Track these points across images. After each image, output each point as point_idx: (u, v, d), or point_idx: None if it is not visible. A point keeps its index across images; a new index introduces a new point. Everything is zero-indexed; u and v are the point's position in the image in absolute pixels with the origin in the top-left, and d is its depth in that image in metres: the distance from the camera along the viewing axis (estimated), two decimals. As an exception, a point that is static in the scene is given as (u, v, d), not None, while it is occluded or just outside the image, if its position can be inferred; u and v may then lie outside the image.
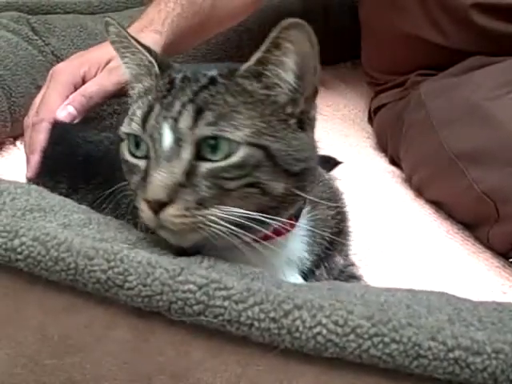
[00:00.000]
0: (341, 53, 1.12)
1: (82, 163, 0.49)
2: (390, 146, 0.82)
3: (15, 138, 0.82)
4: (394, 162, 0.81)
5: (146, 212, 0.34)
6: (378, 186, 0.75)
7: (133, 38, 0.39)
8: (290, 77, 0.36)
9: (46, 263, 0.31)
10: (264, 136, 0.35)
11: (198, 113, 0.34)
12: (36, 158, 0.58)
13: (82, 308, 0.32)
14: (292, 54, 0.36)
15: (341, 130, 0.92)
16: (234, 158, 0.34)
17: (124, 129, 0.37)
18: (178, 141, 0.34)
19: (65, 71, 0.62)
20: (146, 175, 0.35)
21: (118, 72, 0.54)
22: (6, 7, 0.86)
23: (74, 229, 0.35)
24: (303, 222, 0.39)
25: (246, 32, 0.97)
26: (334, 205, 0.41)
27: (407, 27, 0.77)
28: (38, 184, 0.45)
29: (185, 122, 0.34)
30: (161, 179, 0.33)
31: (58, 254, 0.30)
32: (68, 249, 0.31)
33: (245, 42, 0.97)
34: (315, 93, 0.37)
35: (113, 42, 0.40)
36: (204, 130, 0.34)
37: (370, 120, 0.92)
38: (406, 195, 0.72)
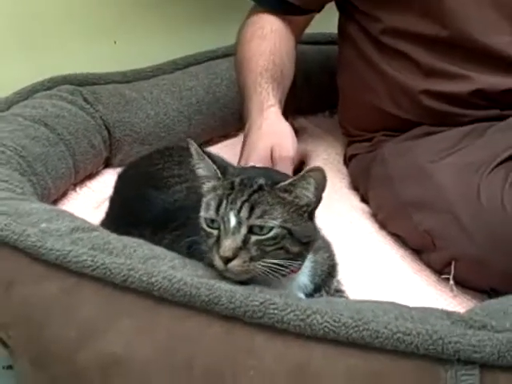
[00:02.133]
0: (320, 104, 1.32)
1: (161, 214, 0.73)
2: (360, 187, 1.04)
3: (75, 185, 1.07)
4: (364, 200, 1.03)
5: (218, 262, 0.58)
6: (350, 219, 0.98)
7: (204, 152, 0.64)
8: (309, 194, 0.60)
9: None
10: (288, 223, 0.59)
11: (251, 209, 0.58)
12: None
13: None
14: (313, 184, 0.59)
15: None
16: (271, 234, 0.58)
17: (204, 214, 0.60)
18: (238, 224, 0.58)
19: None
20: (218, 240, 0.58)
21: None
22: (62, 81, 1.05)
23: (180, 270, 0.59)
24: (307, 264, 0.64)
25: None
26: (327, 253, 0.68)
27: (374, 101, 1.00)
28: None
29: (243, 214, 0.58)
30: (228, 245, 0.57)
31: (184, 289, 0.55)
32: (185, 284, 0.56)
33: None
34: (320, 200, 0.62)
35: (194, 155, 0.64)
36: (255, 221, 0.58)
37: (346, 163, 1.13)
38: (372, 228, 0.96)
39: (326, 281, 0.68)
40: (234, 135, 1.20)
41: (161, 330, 0.57)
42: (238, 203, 0.58)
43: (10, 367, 0.77)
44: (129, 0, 1.20)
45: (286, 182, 0.60)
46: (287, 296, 0.58)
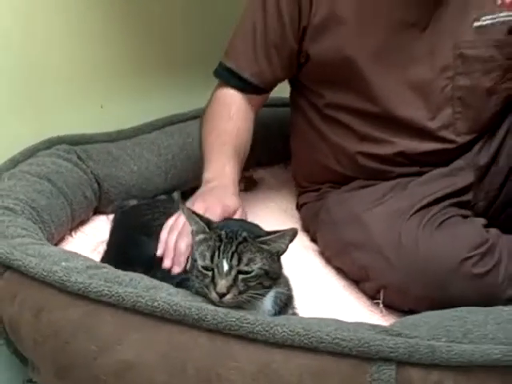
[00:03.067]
0: (276, 158, 1.52)
1: (152, 256, 0.92)
2: (310, 230, 1.23)
3: (71, 230, 1.24)
4: (313, 240, 1.22)
5: (214, 296, 0.76)
6: (301, 256, 1.16)
7: (191, 211, 0.84)
8: (283, 246, 0.79)
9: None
10: (265, 265, 0.78)
11: (239, 258, 0.76)
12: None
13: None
14: (287, 239, 0.79)
15: (276, 217, 1.30)
16: (253, 274, 0.77)
17: (201, 262, 0.78)
18: (230, 269, 0.76)
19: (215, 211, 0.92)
20: (213, 280, 0.76)
21: None
22: (58, 141, 1.22)
23: (175, 296, 0.79)
24: (271, 294, 0.83)
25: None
26: (286, 286, 0.87)
27: (320, 159, 1.20)
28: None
29: (234, 262, 0.76)
30: (223, 284, 0.76)
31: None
32: (180, 306, 0.75)
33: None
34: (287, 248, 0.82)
35: (184, 214, 0.84)
36: (243, 267, 0.76)
37: (298, 209, 1.32)
38: (320, 263, 1.15)
39: (284, 308, 0.87)
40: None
41: (162, 341, 0.75)
42: (229, 253, 0.77)
43: (30, 381, 0.95)
44: (114, 71, 1.38)
45: (267, 238, 0.79)
46: (256, 314, 0.78)
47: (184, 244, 0.90)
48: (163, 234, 0.94)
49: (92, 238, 1.18)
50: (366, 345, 0.75)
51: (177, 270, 0.89)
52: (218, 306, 0.77)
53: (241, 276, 0.78)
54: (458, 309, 0.90)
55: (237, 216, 0.95)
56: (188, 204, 0.95)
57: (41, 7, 1.26)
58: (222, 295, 0.77)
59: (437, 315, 0.88)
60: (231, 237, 0.79)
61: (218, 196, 0.98)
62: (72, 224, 1.18)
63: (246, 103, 1.18)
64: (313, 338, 0.74)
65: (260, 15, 1.14)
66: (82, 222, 1.23)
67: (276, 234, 0.80)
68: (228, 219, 0.90)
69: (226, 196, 0.99)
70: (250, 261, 0.78)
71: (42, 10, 1.26)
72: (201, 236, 0.82)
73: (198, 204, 0.94)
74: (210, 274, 0.78)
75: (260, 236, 0.80)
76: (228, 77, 1.18)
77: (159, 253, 0.92)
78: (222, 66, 1.19)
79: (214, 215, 0.90)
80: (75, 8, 1.29)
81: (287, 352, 0.74)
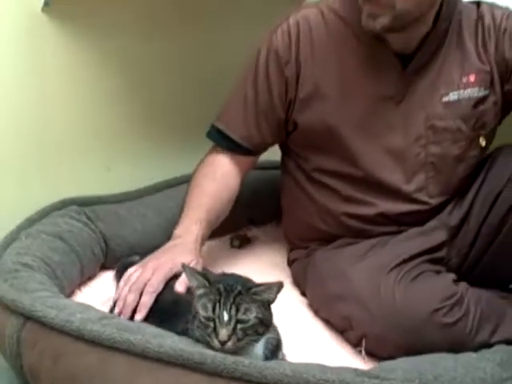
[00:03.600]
0: (269, 217, 1.60)
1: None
2: (300, 284, 1.32)
3: (79, 285, 1.34)
4: (303, 294, 1.30)
5: (216, 344, 0.86)
6: (292, 308, 1.25)
7: (192, 269, 0.95)
8: (272, 296, 0.90)
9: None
10: (259, 314, 0.88)
11: (237, 309, 0.87)
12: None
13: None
14: (275, 290, 0.91)
15: (269, 271, 1.37)
16: (250, 323, 0.88)
17: (203, 313, 0.88)
18: (229, 319, 0.87)
19: (164, 268, 1.07)
20: (215, 329, 0.87)
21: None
22: (70, 203, 1.33)
23: (179, 343, 0.89)
24: (262, 339, 0.93)
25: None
26: (276, 333, 0.97)
27: (308, 219, 1.30)
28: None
29: (233, 312, 0.87)
30: (225, 333, 0.86)
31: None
32: (184, 351, 0.86)
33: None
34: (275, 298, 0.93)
35: (186, 272, 0.96)
36: (241, 316, 0.87)
37: (289, 265, 1.40)
38: (309, 314, 1.23)
39: (274, 353, 0.97)
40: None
41: (169, 382, 0.86)
42: (228, 305, 0.88)
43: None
44: (120, 137, 1.51)
45: (257, 289, 0.91)
46: (250, 359, 0.89)
47: (132, 297, 1.04)
48: (120, 283, 1.09)
49: (99, 293, 1.27)
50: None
51: (124, 318, 1.02)
52: (219, 352, 0.87)
53: (239, 325, 0.89)
54: (431, 355, 1.01)
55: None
56: (148, 258, 1.12)
57: (51, 80, 1.40)
58: (223, 343, 0.88)
59: (411, 360, 0.99)
60: (228, 290, 0.90)
61: (172, 254, 1.12)
62: (81, 279, 1.28)
63: (234, 166, 1.30)
64: (300, 379, 0.84)
65: (251, 87, 1.27)
66: (90, 278, 1.32)
67: (265, 286, 0.92)
68: (224, 274, 1.01)
69: (181, 254, 1.12)
70: (247, 310, 0.89)
71: (53, 82, 1.40)
72: (201, 290, 0.93)
73: (152, 261, 1.09)
74: (211, 324, 0.89)
75: (251, 288, 0.91)
76: (219, 138, 1.30)
77: (114, 298, 1.07)
78: (214, 128, 1.31)
79: (163, 271, 1.06)
80: (86, 82, 1.44)
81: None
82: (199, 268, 1.10)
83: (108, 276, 1.34)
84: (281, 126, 1.29)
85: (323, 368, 0.90)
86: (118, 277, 1.26)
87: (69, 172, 1.45)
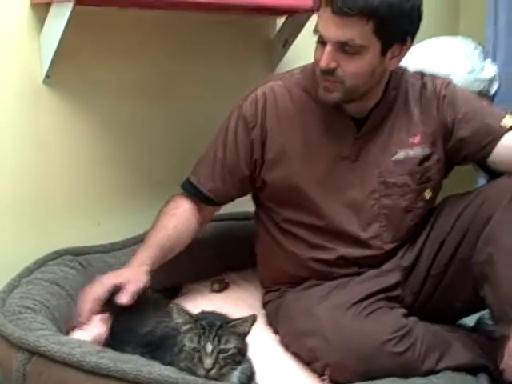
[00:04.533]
0: (244, 262, 1.70)
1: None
2: (273, 323, 1.45)
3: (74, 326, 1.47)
4: (276, 331, 1.41)
5: (202, 372, 1.00)
6: (266, 344, 1.36)
7: (180, 308, 1.10)
8: (247, 328, 1.05)
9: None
10: (239, 345, 1.03)
11: (219, 340, 1.01)
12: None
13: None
14: (249, 323, 1.05)
15: (245, 312, 1.37)
16: (230, 352, 1.02)
17: (190, 345, 1.03)
18: (213, 349, 1.01)
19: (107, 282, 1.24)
20: (200, 359, 1.01)
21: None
22: (64, 253, 1.44)
23: (165, 370, 1.04)
24: (238, 368, 1.08)
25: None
26: (249, 363, 1.12)
27: (279, 264, 1.45)
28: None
29: (215, 343, 1.01)
30: (209, 362, 1.00)
31: None
32: (170, 377, 1.01)
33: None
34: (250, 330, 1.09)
35: (174, 309, 1.10)
36: (222, 346, 1.01)
37: (264, 306, 1.52)
38: (280, 349, 1.37)
39: (248, 382, 1.10)
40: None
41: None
42: (211, 337, 1.03)
43: None
44: (109, 196, 1.67)
45: (234, 323, 1.06)
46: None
47: (86, 307, 1.23)
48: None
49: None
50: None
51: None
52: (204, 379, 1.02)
53: (221, 355, 1.03)
54: (383, 380, 1.17)
55: (131, 285, 1.25)
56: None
57: (47, 144, 1.56)
58: (208, 370, 1.02)
59: (366, 384, 1.15)
60: (210, 325, 1.06)
61: (117, 272, 1.29)
62: (75, 321, 1.42)
63: (197, 210, 1.45)
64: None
65: (221, 146, 1.45)
66: (83, 319, 1.47)
67: (241, 320, 1.07)
68: (204, 312, 1.16)
69: (122, 271, 1.29)
70: (227, 341, 1.04)
71: (49, 147, 1.57)
72: (187, 326, 1.08)
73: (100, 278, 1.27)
74: (197, 354, 1.04)
75: (229, 322, 1.07)
76: (190, 188, 1.46)
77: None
78: (187, 180, 1.48)
79: (100, 286, 1.25)
80: (80, 147, 1.62)
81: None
82: (141, 286, 1.26)
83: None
84: (245, 182, 1.46)
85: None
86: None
87: (63, 226, 1.58)
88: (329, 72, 1.30)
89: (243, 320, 1.08)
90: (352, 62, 1.28)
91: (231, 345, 1.05)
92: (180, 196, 1.47)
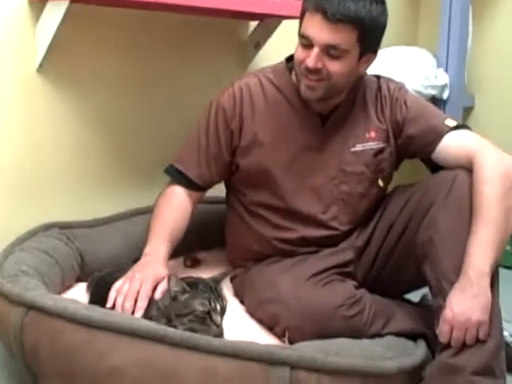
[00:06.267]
0: (215, 242, 1.84)
1: None
2: (239, 295, 1.57)
3: (59, 293, 1.60)
4: (242, 302, 1.53)
5: (214, 329, 1.23)
6: (234, 313, 1.43)
7: (178, 278, 1.27)
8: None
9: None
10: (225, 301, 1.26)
11: (222, 299, 1.27)
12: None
13: None
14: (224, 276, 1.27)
15: None
16: (226, 306, 1.26)
17: (203, 308, 1.22)
18: (221, 307, 1.24)
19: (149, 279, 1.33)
20: (211, 318, 1.23)
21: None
22: (52, 226, 1.60)
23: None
24: None
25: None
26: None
27: (246, 242, 1.59)
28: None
29: (220, 302, 1.24)
30: (219, 318, 1.23)
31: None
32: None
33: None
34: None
35: (172, 280, 1.27)
36: (224, 303, 1.26)
37: (231, 281, 1.63)
38: (246, 317, 1.50)
39: None
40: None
41: (142, 351, 1.17)
42: (216, 298, 1.24)
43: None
44: (94, 176, 1.82)
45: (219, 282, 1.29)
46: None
47: (129, 304, 1.30)
48: (111, 294, 1.33)
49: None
50: (270, 352, 1.17)
51: None
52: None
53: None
54: (335, 339, 1.35)
55: (164, 281, 1.34)
56: (131, 272, 1.37)
57: (42, 129, 1.72)
58: (218, 325, 1.22)
59: (321, 342, 1.32)
60: (210, 288, 1.27)
61: (151, 268, 1.38)
62: (62, 287, 1.56)
63: (187, 197, 1.58)
64: (238, 348, 1.16)
65: (204, 136, 1.60)
66: (68, 287, 1.60)
67: (220, 276, 1.29)
68: (196, 278, 1.33)
69: (158, 267, 1.39)
70: (223, 298, 1.26)
71: (42, 130, 1.72)
72: (186, 294, 1.26)
73: (137, 274, 1.35)
74: (208, 316, 1.23)
75: (216, 280, 1.29)
76: (176, 175, 1.59)
77: (108, 305, 1.32)
78: (172, 167, 1.60)
79: (148, 283, 1.33)
80: (69, 131, 1.77)
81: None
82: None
83: (82, 287, 1.62)
84: (226, 168, 1.62)
85: (255, 343, 1.22)
86: (90, 288, 1.55)
87: (51, 203, 1.73)
88: (315, 71, 1.46)
89: (220, 276, 1.31)
90: (335, 63, 1.45)
91: (226, 301, 1.25)
92: (173, 187, 1.59)
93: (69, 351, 1.19)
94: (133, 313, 1.29)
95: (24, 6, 1.62)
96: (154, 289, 1.35)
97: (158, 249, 1.46)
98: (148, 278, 1.35)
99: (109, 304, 1.33)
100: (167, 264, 1.45)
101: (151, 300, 1.33)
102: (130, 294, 1.32)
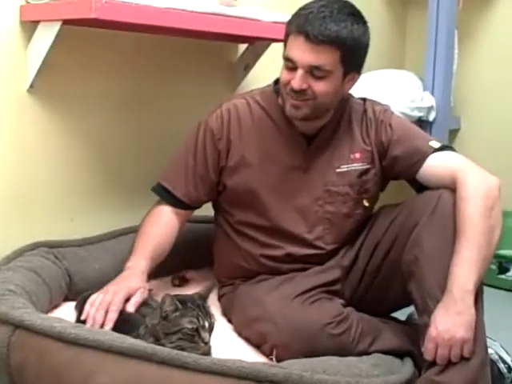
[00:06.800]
0: (203, 261, 1.84)
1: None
2: (227, 313, 1.60)
3: (47, 312, 1.62)
4: (230, 321, 1.54)
5: (202, 346, 1.23)
6: (221, 332, 1.45)
7: (171, 296, 1.27)
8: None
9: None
10: (213, 319, 1.27)
11: (210, 316, 1.26)
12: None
13: None
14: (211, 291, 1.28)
15: None
16: (214, 325, 1.27)
17: (192, 326, 1.22)
18: (209, 324, 1.23)
19: (122, 291, 1.37)
20: (199, 336, 1.23)
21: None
22: (40, 245, 1.60)
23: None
24: None
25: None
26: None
27: (233, 260, 1.61)
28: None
29: (208, 319, 1.23)
30: (207, 335, 1.24)
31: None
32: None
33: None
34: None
35: (166, 298, 1.27)
36: (212, 320, 1.27)
37: (219, 300, 1.65)
38: (234, 334, 1.52)
39: None
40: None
41: (130, 372, 1.17)
42: (204, 315, 1.25)
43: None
44: (82, 194, 1.84)
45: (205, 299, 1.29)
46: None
47: (100, 315, 1.33)
48: (86, 306, 1.37)
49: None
50: (257, 370, 1.18)
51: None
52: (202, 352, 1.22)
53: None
54: (322, 357, 1.36)
55: (138, 294, 1.39)
56: (107, 286, 1.42)
57: (30, 147, 1.73)
58: (206, 343, 1.23)
59: (307, 360, 1.33)
60: (197, 306, 1.27)
61: (127, 281, 1.42)
62: (49, 307, 1.55)
63: (174, 216, 1.61)
64: (224, 367, 1.16)
65: (192, 157, 1.63)
66: (56, 306, 1.59)
67: (205, 291, 1.30)
68: (184, 296, 1.34)
69: (133, 281, 1.42)
70: (211, 316, 1.27)
71: (31, 148, 1.74)
72: (178, 312, 1.26)
73: (111, 287, 1.40)
74: (195, 333, 1.24)
75: (203, 297, 1.29)
76: (163, 194, 1.62)
77: (83, 317, 1.35)
78: (159, 186, 1.64)
79: (120, 295, 1.36)
80: (58, 149, 1.79)
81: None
82: (146, 293, 1.44)
83: (70, 306, 1.61)
84: (213, 187, 1.65)
85: (243, 361, 1.22)
86: (78, 308, 1.55)
87: (39, 222, 1.76)
88: (300, 92, 1.49)
89: (206, 290, 1.32)
90: (320, 83, 1.48)
91: (214, 318, 1.28)
92: (160, 206, 1.62)
93: (56, 370, 1.20)
94: (103, 325, 1.32)
95: (16, 27, 1.65)
96: (128, 301, 1.38)
97: (138, 263, 1.48)
98: (121, 290, 1.37)
99: (83, 316, 1.35)
100: (145, 278, 1.47)
101: (139, 319, 1.34)
102: (101, 305, 1.34)
